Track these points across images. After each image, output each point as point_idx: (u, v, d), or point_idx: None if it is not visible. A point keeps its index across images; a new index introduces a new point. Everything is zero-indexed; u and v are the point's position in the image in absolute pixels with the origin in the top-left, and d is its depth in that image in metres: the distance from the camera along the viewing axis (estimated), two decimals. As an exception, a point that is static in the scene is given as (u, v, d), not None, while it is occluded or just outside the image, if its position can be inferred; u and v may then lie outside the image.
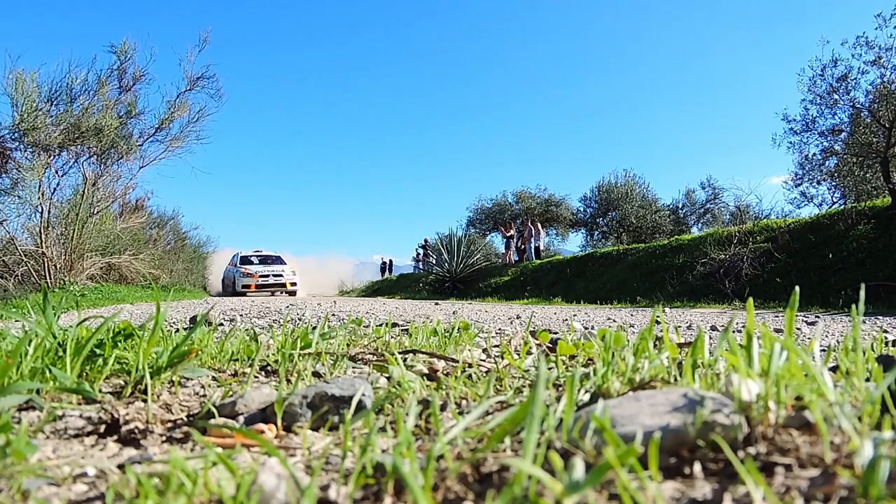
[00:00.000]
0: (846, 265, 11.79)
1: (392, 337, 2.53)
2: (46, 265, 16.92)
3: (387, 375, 1.51)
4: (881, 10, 13.87)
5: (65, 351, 1.30)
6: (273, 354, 1.79)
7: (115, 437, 1.03)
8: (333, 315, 7.46)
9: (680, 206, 32.27)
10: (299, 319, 6.56)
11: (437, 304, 14.77)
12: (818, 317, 7.64)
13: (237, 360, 1.79)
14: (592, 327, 5.57)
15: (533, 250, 25.09)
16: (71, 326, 1.48)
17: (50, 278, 16.84)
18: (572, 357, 1.92)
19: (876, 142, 14.61)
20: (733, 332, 1.04)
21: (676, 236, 20.70)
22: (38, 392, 1.21)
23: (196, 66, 18.58)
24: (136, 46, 17.22)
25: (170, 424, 1.10)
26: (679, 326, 5.97)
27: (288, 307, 10.14)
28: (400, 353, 1.80)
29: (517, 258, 26.23)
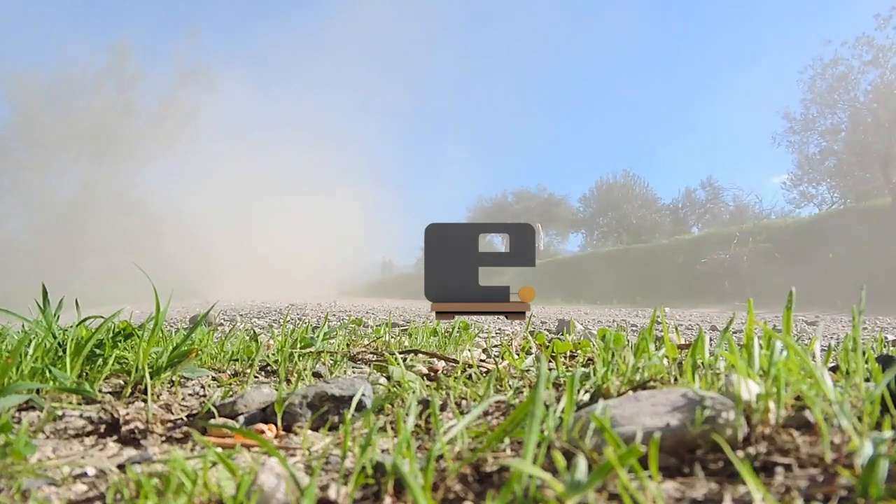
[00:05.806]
0: (846, 265, 11.79)
1: (392, 337, 2.53)
2: (46, 265, 16.91)
3: (387, 375, 1.51)
4: (880, 10, 13.94)
5: (65, 351, 1.30)
6: (273, 354, 1.78)
7: (115, 437, 1.02)
8: (333, 315, 7.45)
9: (680, 206, 32.29)
10: (299, 319, 6.56)
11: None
12: (818, 317, 7.64)
13: (237, 360, 1.79)
14: (592, 327, 5.57)
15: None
16: (71, 326, 1.48)
17: (50, 278, 16.83)
18: (572, 357, 1.92)
19: (875, 142, 14.62)
20: (733, 331, 1.04)
21: (676, 236, 20.71)
22: (38, 392, 1.21)
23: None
24: (132, 46, 17.22)
25: (170, 424, 1.10)
26: (679, 326, 5.97)
27: (288, 307, 10.13)
28: (400, 353, 1.80)
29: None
